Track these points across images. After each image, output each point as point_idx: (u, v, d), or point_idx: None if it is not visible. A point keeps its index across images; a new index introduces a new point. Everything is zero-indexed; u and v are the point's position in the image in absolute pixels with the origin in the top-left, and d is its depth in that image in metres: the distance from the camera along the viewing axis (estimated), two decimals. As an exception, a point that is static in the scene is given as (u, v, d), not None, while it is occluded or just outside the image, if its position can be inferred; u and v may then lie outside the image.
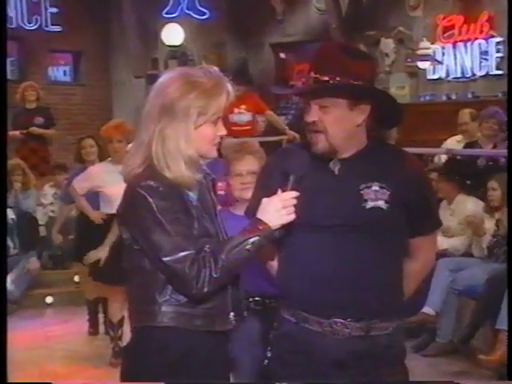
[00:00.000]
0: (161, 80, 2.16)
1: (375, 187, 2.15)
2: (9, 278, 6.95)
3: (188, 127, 2.10)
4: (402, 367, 2.26)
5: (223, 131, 2.17)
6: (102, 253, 4.91)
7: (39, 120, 8.72)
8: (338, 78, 2.11)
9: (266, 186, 2.24)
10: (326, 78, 2.11)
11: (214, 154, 2.20)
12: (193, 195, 2.13)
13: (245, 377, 2.87)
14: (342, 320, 2.14)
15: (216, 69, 2.19)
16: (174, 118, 2.09)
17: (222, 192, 3.45)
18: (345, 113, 2.14)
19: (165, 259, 2.02)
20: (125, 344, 2.24)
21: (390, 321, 2.20)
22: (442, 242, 5.66)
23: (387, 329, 2.19)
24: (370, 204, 2.14)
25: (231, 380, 2.46)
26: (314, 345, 2.16)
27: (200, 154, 2.14)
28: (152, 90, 2.16)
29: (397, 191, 2.16)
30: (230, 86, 2.15)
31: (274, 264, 2.32)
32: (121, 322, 5.12)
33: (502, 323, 4.73)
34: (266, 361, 2.29)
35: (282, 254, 2.28)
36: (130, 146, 2.32)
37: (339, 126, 2.15)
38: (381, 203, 2.14)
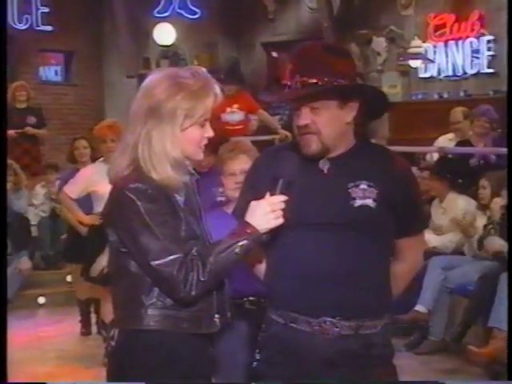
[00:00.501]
0: (147, 81, 2.14)
1: (363, 186, 2.16)
2: None
3: (174, 129, 2.08)
4: (390, 365, 2.26)
5: (210, 133, 2.15)
6: (104, 261, 4.85)
7: (32, 120, 8.71)
8: (326, 79, 2.10)
9: (254, 187, 2.23)
10: (315, 80, 2.10)
11: (201, 156, 2.18)
12: (180, 197, 2.12)
13: (235, 378, 2.86)
14: (331, 319, 2.14)
15: (204, 70, 2.17)
16: (160, 120, 2.07)
17: (222, 198, 3.41)
18: (335, 112, 2.14)
19: (153, 263, 2.01)
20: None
21: (378, 319, 2.20)
22: (433, 240, 5.67)
23: (376, 327, 2.18)
24: (358, 202, 2.14)
25: (216, 381, 2.45)
26: (303, 345, 2.16)
27: (186, 156, 2.12)
28: (139, 91, 2.15)
29: (384, 190, 2.16)
30: (217, 88, 2.13)
31: (262, 267, 2.31)
32: (113, 322, 5.10)
33: (495, 321, 4.74)
34: (255, 363, 2.28)
35: (271, 254, 2.27)
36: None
37: (331, 125, 2.15)
38: (369, 201, 2.14)
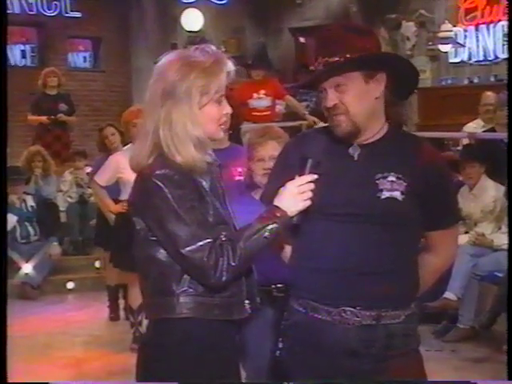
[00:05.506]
0: (159, 65, 2.14)
1: (391, 177, 2.11)
2: (30, 264, 7.03)
3: (193, 108, 2.08)
4: (415, 356, 2.21)
5: (228, 109, 2.15)
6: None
7: (63, 107, 8.74)
8: (347, 55, 2.07)
9: (283, 172, 2.20)
10: (336, 59, 2.08)
11: (221, 134, 2.17)
12: (205, 183, 2.11)
13: (262, 366, 2.85)
14: (351, 308, 2.10)
15: (213, 47, 2.16)
16: (177, 101, 2.07)
17: (240, 178, 3.43)
18: (362, 87, 2.10)
19: (183, 250, 2.00)
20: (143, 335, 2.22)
21: (402, 309, 2.15)
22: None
23: (399, 317, 2.14)
24: (385, 194, 2.10)
25: (243, 369, 2.43)
26: (324, 334, 2.13)
27: (207, 135, 2.11)
28: (152, 76, 2.14)
29: (413, 183, 2.11)
30: (229, 63, 2.13)
31: (287, 251, 2.29)
32: (141, 308, 5.13)
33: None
34: (278, 351, 2.27)
35: (294, 241, 2.25)
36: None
37: (359, 102, 2.11)
38: (396, 194, 2.10)
